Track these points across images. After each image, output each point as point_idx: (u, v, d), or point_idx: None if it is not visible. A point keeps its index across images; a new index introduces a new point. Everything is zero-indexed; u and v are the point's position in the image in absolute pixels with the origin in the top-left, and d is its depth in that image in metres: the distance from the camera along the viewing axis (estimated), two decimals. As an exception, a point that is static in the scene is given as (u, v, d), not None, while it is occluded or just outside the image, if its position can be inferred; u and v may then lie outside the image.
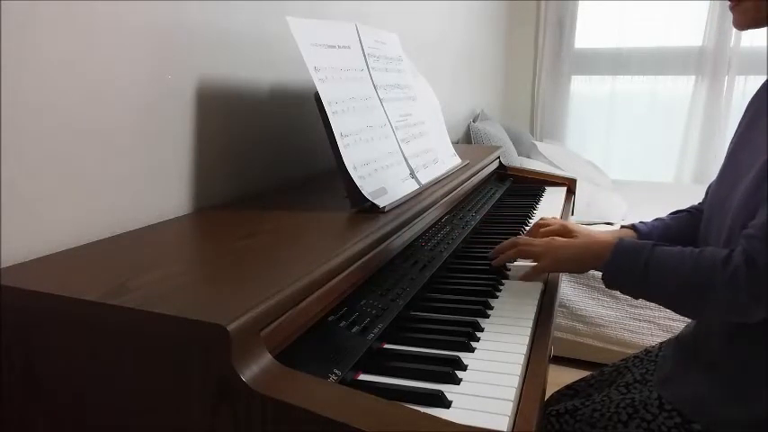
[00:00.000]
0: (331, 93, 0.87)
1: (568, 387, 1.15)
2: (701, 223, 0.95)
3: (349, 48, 0.98)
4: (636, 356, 1.10)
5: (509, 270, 0.96)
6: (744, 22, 0.84)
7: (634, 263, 0.80)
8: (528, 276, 0.91)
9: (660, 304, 0.82)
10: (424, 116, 1.20)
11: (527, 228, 1.19)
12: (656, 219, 1.08)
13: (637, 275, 0.79)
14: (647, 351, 1.09)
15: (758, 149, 0.80)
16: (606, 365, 1.14)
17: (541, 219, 1.10)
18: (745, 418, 0.80)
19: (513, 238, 0.96)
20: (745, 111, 0.91)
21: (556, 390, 1.16)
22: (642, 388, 0.97)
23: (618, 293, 2.13)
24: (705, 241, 0.89)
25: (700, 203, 1.08)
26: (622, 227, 1.09)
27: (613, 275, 0.83)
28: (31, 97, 0.67)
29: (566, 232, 1.03)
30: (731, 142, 0.92)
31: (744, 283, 0.70)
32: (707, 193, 1.05)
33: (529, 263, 0.93)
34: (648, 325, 2.09)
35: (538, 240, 0.93)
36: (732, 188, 0.83)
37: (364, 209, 0.87)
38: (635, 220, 1.10)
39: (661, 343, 1.08)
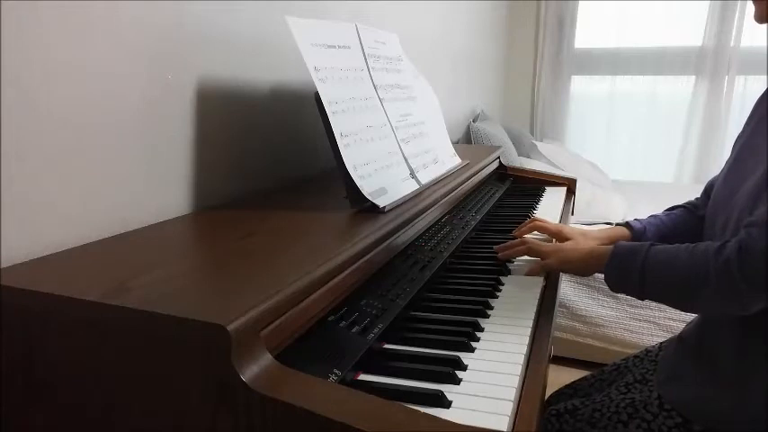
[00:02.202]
0: (331, 93, 0.87)
1: (568, 386, 1.15)
2: (700, 220, 0.96)
3: (349, 48, 0.98)
4: (636, 356, 1.10)
5: (510, 270, 0.96)
6: (765, 16, 0.85)
7: (631, 265, 0.82)
8: (533, 270, 0.93)
9: (663, 303, 0.85)
10: (424, 116, 1.20)
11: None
12: (652, 215, 1.09)
13: (635, 277, 0.82)
14: (648, 351, 1.09)
15: (762, 154, 0.80)
16: (606, 365, 1.14)
17: (537, 219, 1.11)
18: (745, 420, 0.80)
19: (522, 238, 0.99)
20: (752, 112, 0.91)
21: (555, 389, 1.16)
22: (642, 388, 0.97)
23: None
24: (709, 238, 0.90)
25: (696, 199, 1.08)
26: (617, 224, 1.11)
27: (614, 279, 0.85)
28: (31, 97, 0.67)
29: (562, 237, 1.05)
30: (737, 141, 0.93)
31: (736, 268, 0.72)
32: (705, 189, 1.06)
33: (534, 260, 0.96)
34: (648, 325, 2.08)
35: (547, 243, 0.98)
36: (738, 187, 0.83)
37: (364, 209, 0.87)
38: (634, 220, 1.11)
39: (661, 343, 1.08)
